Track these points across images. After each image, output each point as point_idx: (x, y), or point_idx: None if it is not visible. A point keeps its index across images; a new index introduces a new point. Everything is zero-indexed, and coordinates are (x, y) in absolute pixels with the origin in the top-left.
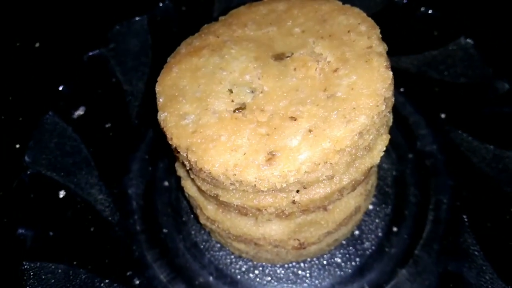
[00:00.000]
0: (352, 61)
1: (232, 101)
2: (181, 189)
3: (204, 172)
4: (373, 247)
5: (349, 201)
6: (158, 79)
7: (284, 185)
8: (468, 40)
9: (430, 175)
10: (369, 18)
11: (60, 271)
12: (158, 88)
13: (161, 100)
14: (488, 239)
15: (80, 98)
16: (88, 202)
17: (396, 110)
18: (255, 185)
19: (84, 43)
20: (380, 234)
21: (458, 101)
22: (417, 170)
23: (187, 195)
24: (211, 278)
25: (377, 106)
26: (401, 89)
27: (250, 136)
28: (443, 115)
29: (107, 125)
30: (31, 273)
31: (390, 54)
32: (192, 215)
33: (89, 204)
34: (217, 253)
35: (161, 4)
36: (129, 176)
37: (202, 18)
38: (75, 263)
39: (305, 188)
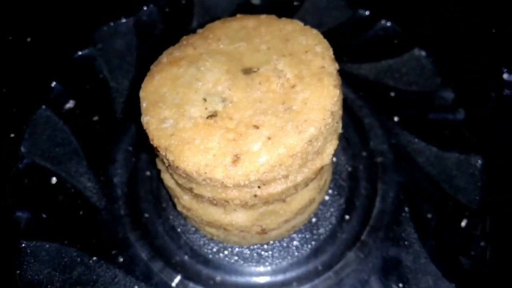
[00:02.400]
0: (307, 79)
1: (206, 108)
2: (161, 180)
3: (180, 169)
4: (327, 233)
5: (304, 194)
6: (142, 85)
7: (246, 182)
8: (422, 52)
9: (380, 171)
10: (325, 40)
11: (53, 249)
12: (141, 94)
13: (144, 104)
14: (425, 229)
15: (69, 93)
16: (78, 189)
17: (353, 112)
18: (222, 182)
19: (74, 42)
20: (333, 221)
21: (409, 106)
22: (369, 167)
23: (166, 186)
24: (186, 257)
25: (324, 119)
26: (360, 93)
27: (219, 140)
28: (395, 119)
29: (94, 119)
30: (28, 251)
31: (351, 61)
32: (170, 203)
33: (78, 191)
34: (192, 235)
35: (145, 8)
36: (114, 166)
37: (182, 21)
38: (66, 242)
39: (265, 184)
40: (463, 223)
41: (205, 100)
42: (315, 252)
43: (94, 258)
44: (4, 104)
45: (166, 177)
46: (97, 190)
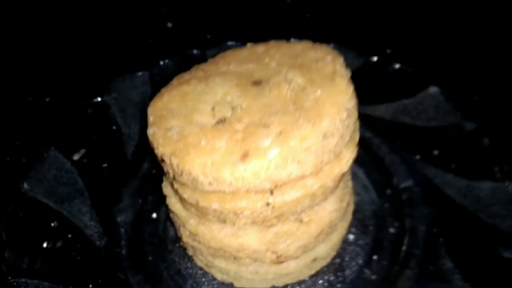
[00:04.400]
0: (318, 81)
1: (214, 116)
2: (167, 217)
3: (185, 174)
4: (353, 274)
5: (323, 214)
6: (150, 103)
7: (257, 181)
8: (436, 89)
9: (407, 207)
10: (335, 51)
11: None
12: (149, 110)
13: (151, 118)
14: (465, 262)
15: (81, 137)
16: (78, 226)
17: (372, 150)
18: (230, 182)
19: (90, 90)
20: (360, 261)
21: (430, 141)
22: (395, 203)
23: (171, 213)
24: None
25: (338, 114)
26: (377, 132)
27: (227, 141)
28: (417, 155)
29: (104, 162)
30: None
31: (365, 103)
32: (176, 245)
33: (78, 229)
34: (200, 279)
35: (161, 63)
36: (119, 206)
37: None
38: (59, 283)
39: (277, 187)
40: (506, 253)
41: (213, 109)
42: None
43: None
44: (13, 141)
45: (171, 202)
46: (98, 229)
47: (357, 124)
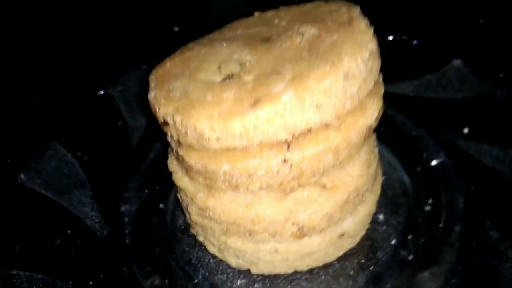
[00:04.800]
0: (334, 27)
1: (221, 73)
2: (176, 207)
3: (190, 132)
4: (387, 256)
5: (349, 180)
6: (152, 71)
7: (271, 130)
8: (459, 61)
9: (441, 182)
10: (350, 3)
11: (42, 282)
12: (151, 77)
13: (152, 84)
14: None
15: (84, 129)
16: (78, 217)
17: (396, 127)
18: (241, 134)
19: (95, 84)
20: (393, 242)
21: (459, 113)
22: (427, 180)
23: (178, 193)
24: None
25: (360, 52)
26: (400, 108)
27: (236, 92)
28: (446, 130)
29: (108, 154)
30: (14, 280)
31: (385, 81)
32: (186, 234)
33: (79, 219)
34: (213, 268)
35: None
36: (124, 197)
37: None
38: (57, 276)
39: (295, 139)
40: None
41: (219, 67)
42: (376, 280)
43: None
44: (15, 133)
45: (178, 177)
46: (99, 219)
47: (381, 77)
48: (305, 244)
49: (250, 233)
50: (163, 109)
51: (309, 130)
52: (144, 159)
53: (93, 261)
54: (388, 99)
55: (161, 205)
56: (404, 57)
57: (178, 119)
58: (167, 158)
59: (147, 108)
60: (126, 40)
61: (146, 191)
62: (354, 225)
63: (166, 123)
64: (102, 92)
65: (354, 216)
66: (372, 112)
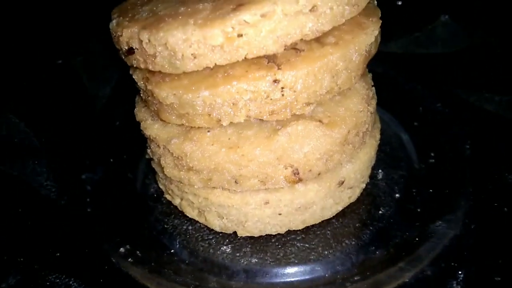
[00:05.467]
0: None
1: None
2: (146, 175)
3: (160, 51)
4: (391, 210)
5: (347, 115)
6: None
7: (258, 41)
8: (447, 17)
9: (442, 133)
10: None
11: None
12: (113, 11)
13: (114, 15)
14: None
15: (40, 98)
16: (32, 187)
17: (388, 85)
18: (222, 45)
19: (55, 51)
20: (397, 195)
21: (451, 66)
22: (427, 132)
23: (148, 143)
24: (184, 267)
25: None
26: (390, 67)
27: (214, 2)
28: (441, 82)
29: (66, 123)
30: None
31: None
32: (158, 204)
33: (32, 189)
34: (192, 235)
35: None
36: (85, 164)
37: None
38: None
39: (286, 59)
40: None
41: None
42: (382, 236)
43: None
44: None
45: (147, 125)
46: (56, 188)
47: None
48: (300, 193)
49: (236, 181)
50: (127, 32)
51: (302, 43)
52: (108, 128)
53: (52, 232)
54: (376, 57)
55: (129, 175)
56: (390, 17)
57: (145, 37)
58: (133, 126)
59: (111, 80)
60: (87, 9)
61: (111, 160)
62: (354, 172)
63: (131, 51)
64: (60, 61)
65: (354, 162)
66: (372, 31)
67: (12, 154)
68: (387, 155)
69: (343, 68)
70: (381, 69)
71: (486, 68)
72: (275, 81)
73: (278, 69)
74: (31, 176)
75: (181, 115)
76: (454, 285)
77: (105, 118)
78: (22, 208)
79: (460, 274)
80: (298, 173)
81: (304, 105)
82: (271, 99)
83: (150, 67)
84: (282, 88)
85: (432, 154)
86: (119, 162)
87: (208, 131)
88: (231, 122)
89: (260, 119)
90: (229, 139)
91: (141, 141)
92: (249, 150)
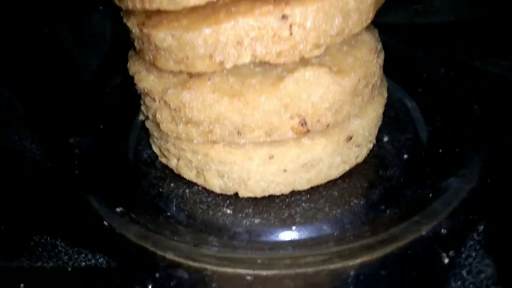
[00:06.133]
0: None
1: None
2: (139, 141)
3: None
4: (399, 170)
5: (356, 65)
6: None
7: None
8: None
9: (446, 98)
10: None
11: None
12: None
13: None
14: None
15: (26, 65)
16: (16, 150)
17: (389, 53)
18: None
19: (42, 19)
20: (405, 156)
21: (452, 34)
22: (431, 97)
23: (142, 98)
24: (181, 229)
25: None
26: (391, 36)
27: None
28: (442, 49)
29: (53, 89)
30: None
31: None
32: (152, 168)
33: (16, 151)
34: (189, 197)
35: None
36: (74, 129)
37: None
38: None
39: None
40: None
41: None
42: (391, 195)
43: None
44: None
45: (142, 77)
46: (42, 152)
47: None
48: (307, 147)
49: (239, 132)
50: None
51: None
52: (97, 95)
53: (36, 194)
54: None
55: (121, 142)
56: None
57: None
58: (125, 93)
59: (99, 48)
60: None
61: (101, 126)
62: (362, 128)
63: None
64: (47, 30)
65: (363, 118)
66: None
67: None
68: (392, 120)
69: (355, 7)
70: (381, 39)
71: (488, 35)
72: (283, 17)
73: (287, 4)
74: (15, 140)
75: (180, 60)
76: (475, 236)
77: (94, 85)
78: (5, 171)
79: (480, 226)
80: (305, 124)
81: (314, 46)
82: (278, 37)
83: (147, 6)
84: (291, 25)
85: (438, 118)
86: (109, 128)
87: (209, 79)
88: (234, 69)
89: (264, 68)
90: (231, 87)
91: (132, 109)
92: (254, 97)
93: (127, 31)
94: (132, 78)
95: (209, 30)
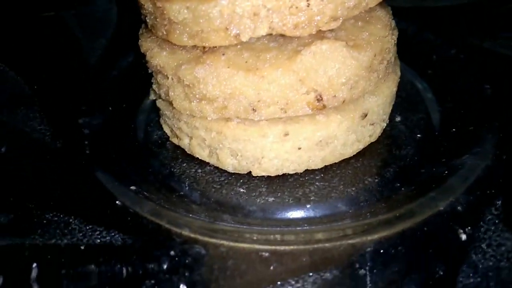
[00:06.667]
0: None
1: None
2: (148, 123)
3: None
4: (413, 150)
5: (371, 40)
6: None
7: None
8: None
9: (457, 78)
10: None
11: None
12: None
13: None
14: None
15: (31, 48)
16: (24, 131)
17: (399, 36)
18: None
19: (45, 5)
20: (419, 136)
21: (462, 17)
22: (442, 78)
23: (154, 75)
24: (195, 207)
25: None
26: (399, 19)
27: None
28: (451, 31)
29: (60, 72)
30: None
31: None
32: (164, 149)
33: (24, 132)
34: (201, 177)
35: None
36: (82, 110)
37: None
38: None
39: None
40: None
41: None
42: (406, 174)
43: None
44: None
45: (154, 53)
46: (50, 132)
47: None
48: (322, 124)
49: (254, 109)
50: None
51: None
52: (105, 77)
53: (47, 173)
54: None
55: (130, 123)
56: None
57: None
58: (133, 76)
59: (105, 32)
60: None
61: (110, 108)
62: (377, 106)
63: None
64: (52, 13)
65: (378, 95)
66: None
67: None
68: (404, 100)
69: None
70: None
71: (497, 17)
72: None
73: None
74: (23, 122)
75: (194, 34)
76: (493, 210)
77: (101, 68)
78: (14, 152)
79: (498, 201)
80: (321, 99)
81: (331, 19)
82: (296, 8)
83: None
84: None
85: (450, 98)
86: (118, 111)
87: (223, 54)
88: (248, 43)
89: (279, 42)
90: (246, 62)
91: (140, 92)
92: (270, 71)
93: (134, 11)
94: (142, 57)
95: (225, 1)
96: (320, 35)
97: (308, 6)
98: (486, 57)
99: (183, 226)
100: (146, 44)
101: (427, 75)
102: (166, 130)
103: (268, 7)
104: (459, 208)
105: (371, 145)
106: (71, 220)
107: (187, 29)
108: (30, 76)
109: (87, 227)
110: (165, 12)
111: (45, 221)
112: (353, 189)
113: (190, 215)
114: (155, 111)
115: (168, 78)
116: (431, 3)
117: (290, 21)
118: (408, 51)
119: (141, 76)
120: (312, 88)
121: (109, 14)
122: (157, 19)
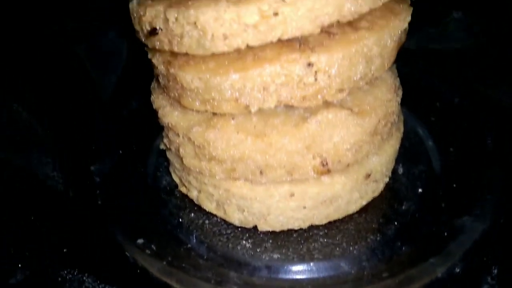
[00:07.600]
0: None
1: None
2: (157, 169)
3: (188, 30)
4: (415, 205)
5: (377, 104)
6: None
7: (294, 20)
8: (459, 13)
9: (461, 126)
10: None
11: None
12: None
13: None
14: None
15: (43, 86)
16: (37, 177)
17: (404, 80)
18: (257, 24)
19: (58, 41)
20: (420, 191)
21: (467, 61)
22: (445, 126)
23: (165, 132)
24: (202, 262)
25: None
26: (403, 64)
27: None
28: (456, 76)
29: (72, 111)
30: None
31: None
32: (173, 197)
33: (37, 179)
34: (209, 229)
35: None
36: (94, 155)
37: None
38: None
39: (319, 42)
40: None
41: None
42: (407, 231)
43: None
44: None
45: (165, 112)
46: (63, 180)
47: None
48: (327, 185)
49: (261, 172)
50: (151, 11)
51: (335, 27)
52: (117, 118)
53: (61, 225)
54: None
55: (140, 167)
56: None
57: (172, 16)
58: (143, 116)
59: (117, 67)
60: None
61: (120, 151)
62: (380, 165)
63: (154, 32)
64: (64, 49)
65: (381, 155)
66: (405, 17)
67: (15, 144)
68: (406, 150)
69: (378, 53)
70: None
71: (502, 63)
72: (309, 64)
73: (312, 51)
74: (37, 167)
75: (206, 101)
76: (489, 280)
77: (111, 107)
78: (28, 200)
79: (494, 269)
80: (327, 164)
81: (337, 91)
82: (303, 83)
83: (176, 49)
84: (316, 72)
85: (451, 150)
86: (128, 153)
87: (233, 119)
88: (259, 109)
89: (286, 108)
90: (254, 127)
91: (150, 132)
92: (277, 138)
93: (144, 52)
94: (151, 107)
95: (236, 76)
96: (326, 102)
97: (315, 80)
98: (489, 107)
99: (191, 287)
100: (159, 102)
101: (430, 123)
102: (175, 178)
103: (277, 83)
104: (456, 275)
105: (374, 199)
106: (84, 278)
107: (199, 96)
108: (42, 117)
109: (100, 286)
110: (178, 78)
111: (60, 279)
112: (355, 247)
113: (198, 274)
114: (164, 155)
115: (179, 136)
116: (437, 45)
117: (298, 94)
118: (412, 97)
119: (151, 117)
120: (317, 153)
121: (120, 48)
122: (170, 82)
